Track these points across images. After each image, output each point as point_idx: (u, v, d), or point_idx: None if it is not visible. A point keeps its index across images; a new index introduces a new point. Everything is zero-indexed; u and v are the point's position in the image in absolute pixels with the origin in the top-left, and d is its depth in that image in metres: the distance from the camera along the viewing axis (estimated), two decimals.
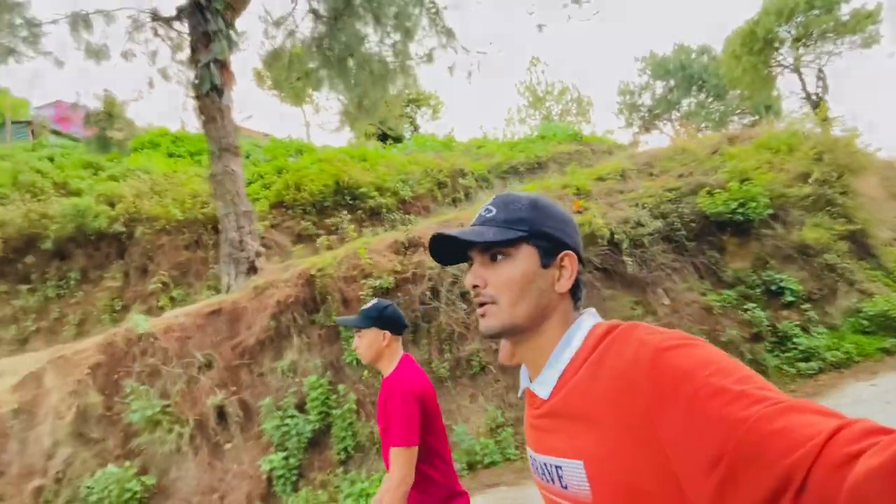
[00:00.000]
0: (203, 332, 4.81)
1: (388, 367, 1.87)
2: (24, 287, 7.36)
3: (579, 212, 6.88)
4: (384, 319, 1.86)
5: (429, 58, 6.63)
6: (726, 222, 6.85)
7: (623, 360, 0.63)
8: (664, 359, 0.59)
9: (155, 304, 7.31)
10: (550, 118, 27.69)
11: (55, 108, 23.12)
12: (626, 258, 6.19)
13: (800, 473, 0.45)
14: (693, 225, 6.87)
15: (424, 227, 6.14)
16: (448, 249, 0.83)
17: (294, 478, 4.16)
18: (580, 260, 0.81)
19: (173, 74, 7.39)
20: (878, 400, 4.59)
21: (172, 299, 7.39)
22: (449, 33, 6.04)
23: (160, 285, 7.40)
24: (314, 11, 5.69)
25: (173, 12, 6.59)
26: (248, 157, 13.61)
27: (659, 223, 6.60)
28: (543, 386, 0.76)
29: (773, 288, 6.49)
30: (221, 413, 4.39)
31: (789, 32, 13.95)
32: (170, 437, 4.12)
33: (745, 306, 6.25)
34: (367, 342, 1.86)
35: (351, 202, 9.46)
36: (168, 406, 4.25)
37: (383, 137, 18.53)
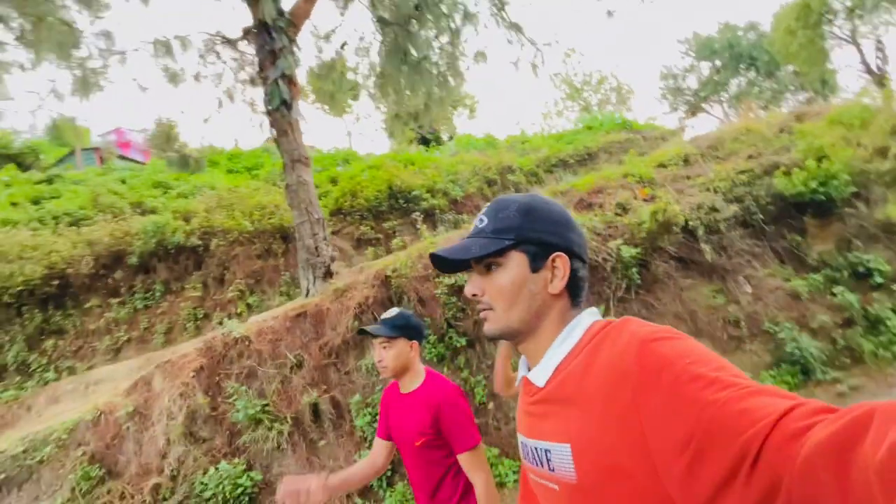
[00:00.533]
0: (292, 333, 5.03)
1: (413, 379, 1.79)
2: (114, 300, 7.93)
3: (647, 200, 6.71)
4: (411, 328, 1.79)
5: (482, 56, 6.67)
6: (806, 203, 6.50)
7: (615, 351, 0.67)
8: (650, 348, 0.63)
9: (234, 311, 7.69)
10: (590, 109, 27.14)
11: (115, 135, 24.81)
12: (703, 245, 5.98)
13: (754, 447, 0.48)
14: (770, 208, 6.56)
15: None
16: (450, 261, 0.85)
17: (389, 472, 4.27)
18: (579, 258, 0.82)
19: (237, 94, 7.77)
20: None
21: (249, 306, 7.76)
22: (516, 27, 6.04)
23: (237, 293, 7.78)
24: (381, 19, 5.83)
25: (238, 34, 6.93)
26: None
27: (735, 207, 6.35)
28: (540, 375, 0.79)
29: (861, 270, 6.10)
30: (315, 410, 4.56)
31: (843, 3, 13.09)
32: (271, 435, 4.32)
33: (834, 290, 5.91)
34: (395, 353, 1.76)
35: (405, 205, 9.63)
36: (267, 405, 4.47)
37: (424, 141, 18.75)
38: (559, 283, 0.80)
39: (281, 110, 6.15)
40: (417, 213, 9.06)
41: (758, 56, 19.28)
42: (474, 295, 0.83)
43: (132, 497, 3.92)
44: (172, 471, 4.09)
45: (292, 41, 6.45)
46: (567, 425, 0.71)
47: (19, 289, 7.30)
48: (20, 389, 6.72)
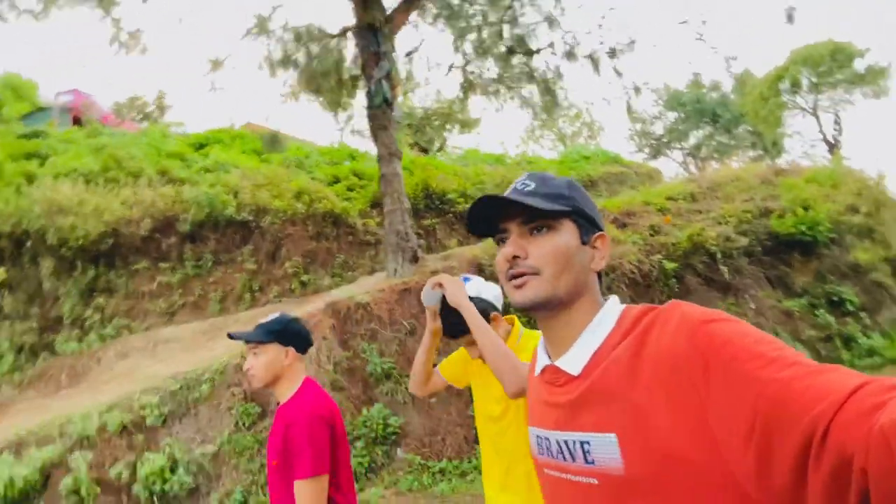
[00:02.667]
0: (401, 305, 5.66)
1: (286, 391, 1.63)
2: (164, 265, 7.99)
3: (671, 225, 8.00)
4: (288, 334, 1.64)
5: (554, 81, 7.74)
6: (795, 242, 8.06)
7: (667, 334, 0.65)
8: (706, 329, 0.61)
9: (287, 287, 8.05)
10: (564, 139, 29.20)
11: (73, 95, 23.27)
12: (721, 267, 7.30)
13: (822, 424, 0.46)
14: (767, 243, 8.07)
15: None
16: (484, 219, 0.81)
17: None
18: None
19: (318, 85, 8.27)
20: None
21: (303, 284, 8.14)
22: (617, 72, 7.17)
23: (293, 270, 8.14)
24: (499, 34, 6.69)
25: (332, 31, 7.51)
26: (307, 157, 14.43)
27: (744, 239, 7.77)
28: (574, 363, 0.75)
29: (835, 299, 7.70)
30: None
31: (809, 79, 15.84)
32: (400, 388, 4.96)
33: (816, 312, 7.43)
34: (265, 361, 1.59)
35: (440, 206, 10.39)
36: (393, 362, 5.10)
37: (422, 150, 19.57)
38: (601, 262, 0.80)
39: (382, 107, 6.80)
40: (452, 215, 9.87)
41: (721, 113, 22.10)
42: (515, 257, 0.76)
43: None
44: None
45: (392, 45, 7.15)
46: (612, 414, 0.67)
47: (79, 243, 7.25)
48: (79, 342, 6.70)
